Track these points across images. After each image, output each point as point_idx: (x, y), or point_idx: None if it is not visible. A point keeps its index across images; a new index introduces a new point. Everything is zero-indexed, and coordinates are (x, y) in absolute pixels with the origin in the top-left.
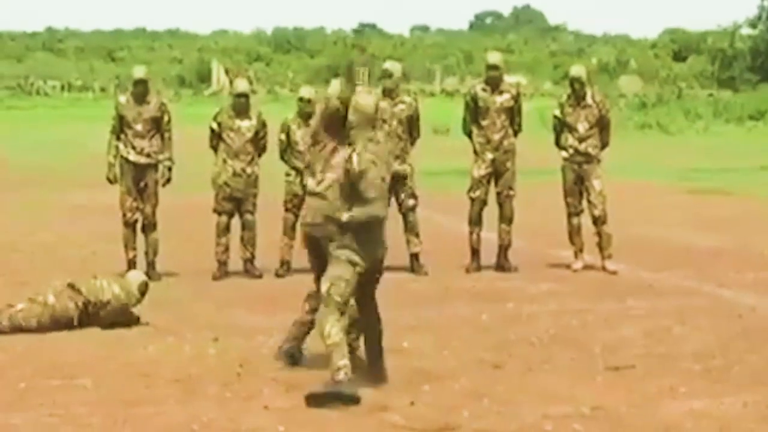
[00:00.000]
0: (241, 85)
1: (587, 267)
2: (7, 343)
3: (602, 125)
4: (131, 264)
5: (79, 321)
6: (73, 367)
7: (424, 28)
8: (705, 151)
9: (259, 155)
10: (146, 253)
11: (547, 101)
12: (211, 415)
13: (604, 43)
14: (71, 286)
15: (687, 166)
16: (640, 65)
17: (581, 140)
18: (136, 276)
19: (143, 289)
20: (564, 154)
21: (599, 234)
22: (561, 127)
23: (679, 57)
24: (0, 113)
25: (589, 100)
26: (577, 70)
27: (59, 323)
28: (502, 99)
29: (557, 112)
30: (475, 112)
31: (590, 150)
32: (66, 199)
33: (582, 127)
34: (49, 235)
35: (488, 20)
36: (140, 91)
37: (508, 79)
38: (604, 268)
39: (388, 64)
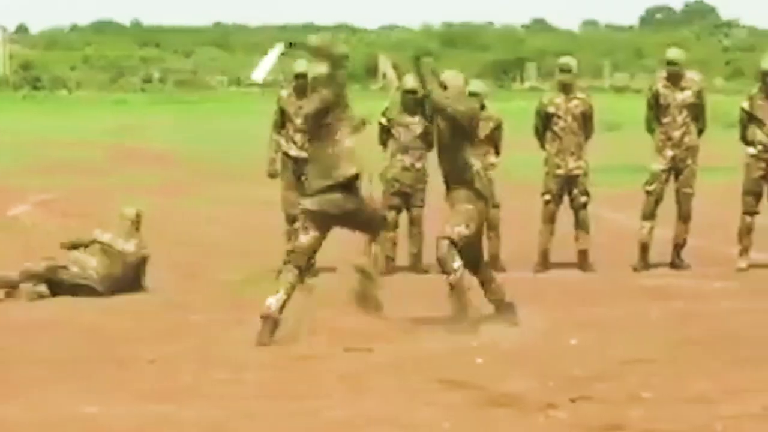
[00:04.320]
0: (410, 81)
1: (754, 266)
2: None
3: None
4: None
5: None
6: (239, 359)
7: (594, 23)
8: None
9: (428, 150)
10: None
11: (719, 98)
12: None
13: None
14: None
15: None
16: None
17: None
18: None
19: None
20: (751, 150)
21: None
22: (748, 120)
23: None
24: (168, 107)
25: None
26: None
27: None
28: (684, 96)
29: (745, 105)
30: (656, 109)
31: None
32: (235, 193)
33: None
34: (219, 229)
35: (659, 15)
36: (302, 84)
37: (690, 74)
38: None
39: (565, 59)
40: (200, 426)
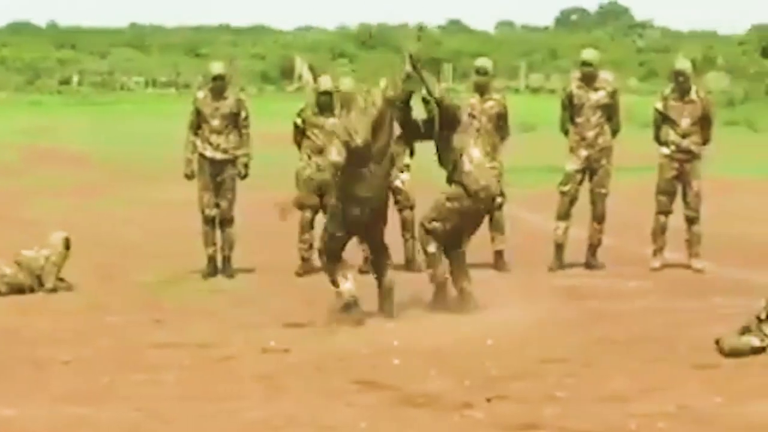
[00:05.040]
0: (326, 82)
1: (667, 265)
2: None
3: (705, 122)
4: (211, 260)
5: None
6: (156, 361)
7: (509, 24)
8: None
9: None
10: (222, 248)
11: (633, 98)
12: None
13: (692, 40)
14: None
15: None
16: (728, 62)
17: (684, 136)
18: None
19: None
20: (665, 150)
21: (690, 232)
22: (662, 121)
23: (767, 53)
24: (84, 109)
25: (693, 95)
26: (683, 63)
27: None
28: (597, 96)
29: (659, 105)
30: (570, 110)
31: (692, 147)
32: (151, 194)
33: (685, 123)
34: (135, 230)
35: (573, 16)
36: (218, 86)
37: (604, 75)
38: (690, 266)
39: (481, 61)
40: (117, 427)
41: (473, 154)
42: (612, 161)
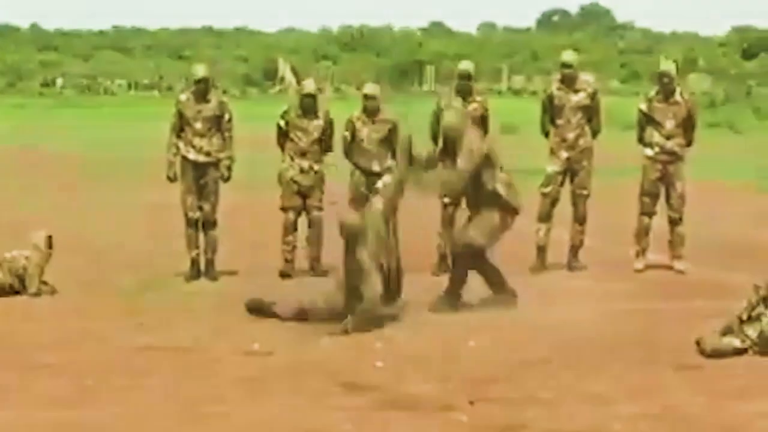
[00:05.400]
0: (309, 85)
1: (650, 267)
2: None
3: (689, 124)
4: (194, 263)
5: None
6: (139, 364)
7: (492, 26)
8: None
9: (325, 153)
10: (205, 251)
11: (614, 99)
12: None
13: (673, 42)
14: None
15: (756, 165)
16: (709, 63)
17: (668, 137)
18: None
19: None
20: (648, 151)
21: (672, 234)
22: (646, 122)
23: (748, 55)
24: (67, 112)
25: (677, 96)
26: (667, 64)
27: None
28: (578, 98)
29: (643, 107)
30: (551, 112)
31: (676, 149)
32: (134, 197)
33: (669, 124)
34: (118, 233)
35: (555, 18)
36: (201, 89)
37: (585, 76)
38: (672, 268)
39: (464, 65)
40: (101, 431)
41: (500, 176)
42: (593, 162)
